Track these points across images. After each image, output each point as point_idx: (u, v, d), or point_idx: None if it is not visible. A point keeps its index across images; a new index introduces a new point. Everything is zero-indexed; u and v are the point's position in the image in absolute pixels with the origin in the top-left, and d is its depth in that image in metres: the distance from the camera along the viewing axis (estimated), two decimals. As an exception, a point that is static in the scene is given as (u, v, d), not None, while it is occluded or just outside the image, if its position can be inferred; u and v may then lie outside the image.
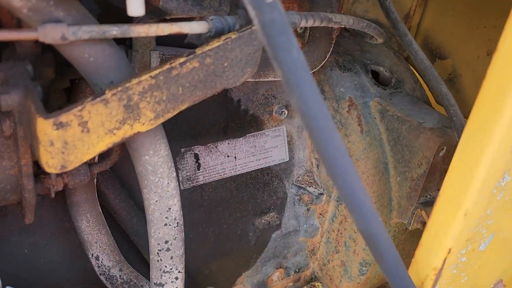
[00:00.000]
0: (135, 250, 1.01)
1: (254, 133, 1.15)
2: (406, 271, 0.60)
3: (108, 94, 0.52)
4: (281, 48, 0.42)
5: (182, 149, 1.05)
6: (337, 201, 1.22)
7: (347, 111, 1.15)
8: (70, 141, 0.52)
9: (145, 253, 0.99)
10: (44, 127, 0.50)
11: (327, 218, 1.27)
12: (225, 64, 0.59)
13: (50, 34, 0.50)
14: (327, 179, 1.23)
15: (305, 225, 1.28)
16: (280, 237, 1.25)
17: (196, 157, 1.08)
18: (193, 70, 0.57)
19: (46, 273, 0.89)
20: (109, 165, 0.75)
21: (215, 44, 0.57)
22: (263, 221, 1.21)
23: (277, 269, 1.30)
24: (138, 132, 0.57)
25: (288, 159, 1.22)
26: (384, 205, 1.17)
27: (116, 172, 0.96)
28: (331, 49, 1.00)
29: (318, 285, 1.32)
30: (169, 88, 0.56)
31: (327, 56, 1.01)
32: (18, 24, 0.61)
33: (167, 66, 0.55)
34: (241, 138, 1.13)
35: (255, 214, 1.20)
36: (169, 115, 0.59)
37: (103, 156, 0.77)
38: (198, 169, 1.08)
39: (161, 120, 0.59)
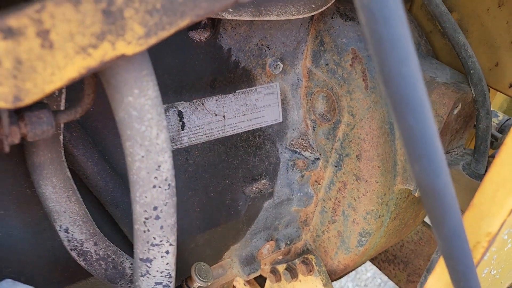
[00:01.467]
0: (111, 222, 0.85)
1: (245, 89, 1.00)
2: (467, 239, 0.46)
3: (81, -10, 0.35)
4: None
5: (164, 105, 0.89)
6: (336, 167, 1.09)
7: (350, 65, 1.00)
8: (25, 59, 0.35)
9: (123, 225, 0.83)
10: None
11: (323, 186, 1.13)
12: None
13: None
14: (324, 143, 1.09)
15: (298, 194, 1.15)
16: (272, 207, 1.11)
17: (180, 115, 0.92)
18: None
19: (5, 250, 0.72)
20: (79, 114, 0.58)
21: None
22: (254, 189, 1.07)
23: (267, 241, 1.16)
24: (123, 55, 0.41)
25: (281, 120, 1.08)
26: (388, 170, 1.04)
27: (86, 128, 0.79)
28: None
29: (312, 258, 1.18)
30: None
31: (330, 1, 0.86)
32: None
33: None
34: (230, 95, 0.98)
35: (245, 181, 1.06)
36: (163, 34, 0.42)
37: (72, 101, 0.60)
38: (182, 129, 0.93)
39: (153, 40, 0.42)
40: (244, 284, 1.52)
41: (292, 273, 1.23)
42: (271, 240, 1.16)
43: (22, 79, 0.36)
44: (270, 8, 0.78)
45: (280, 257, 1.27)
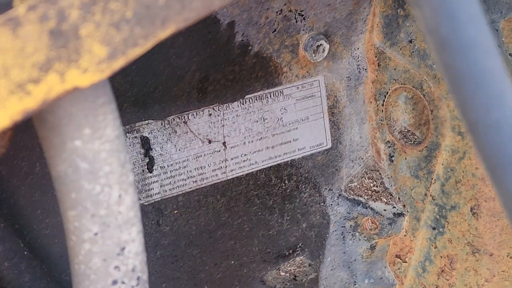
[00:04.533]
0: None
1: (261, 92, 1.17)
2: None
3: (20, 9, 0.52)
4: None
5: (127, 125, 1.07)
6: (434, 229, 1.25)
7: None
8: None
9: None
10: None
11: (411, 265, 1.30)
12: None
13: None
14: (410, 184, 1.26)
15: (366, 280, 1.32)
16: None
17: (145, 144, 1.12)
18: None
19: None
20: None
21: None
22: (282, 274, 1.26)
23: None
24: (75, 88, 0.57)
25: (330, 146, 1.26)
26: None
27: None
28: None
29: None
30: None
31: None
32: None
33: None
34: (235, 104, 1.17)
35: (266, 260, 1.26)
36: (135, 52, 0.59)
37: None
38: (150, 170, 1.11)
39: (120, 62, 0.59)
40: None
41: None
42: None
43: None
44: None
45: None
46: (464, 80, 0.48)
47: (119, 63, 0.59)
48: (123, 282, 0.73)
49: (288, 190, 1.24)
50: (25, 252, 0.99)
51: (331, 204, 1.27)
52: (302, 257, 1.25)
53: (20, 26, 0.53)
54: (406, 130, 1.25)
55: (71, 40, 0.55)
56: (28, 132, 0.67)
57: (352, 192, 1.28)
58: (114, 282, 0.73)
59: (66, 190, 0.69)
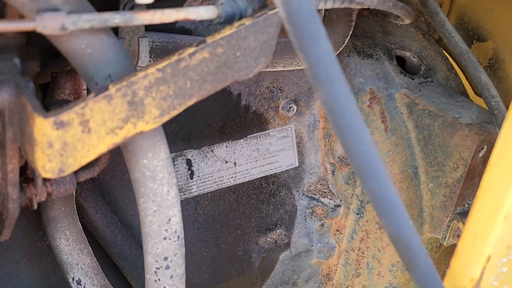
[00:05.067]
0: (118, 275, 1.10)
1: (256, 133, 1.26)
2: (441, 281, 0.70)
3: (112, 90, 0.61)
4: (309, 38, 0.51)
5: (172, 154, 1.15)
6: (357, 214, 1.33)
7: (368, 106, 1.25)
8: (70, 142, 0.61)
9: (131, 278, 1.08)
10: (43, 127, 0.59)
11: (345, 235, 1.37)
12: (238, 54, 0.69)
13: (49, 25, 0.58)
14: (344, 188, 1.33)
15: (318, 244, 1.39)
16: (289, 259, 1.37)
17: (189, 163, 1.18)
18: (203, 61, 0.66)
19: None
20: (97, 172, 0.84)
21: (227, 31, 0.66)
22: (268, 239, 1.33)
23: (284, 294, 1.40)
24: (141, 131, 0.66)
25: (297, 165, 1.33)
26: (414, 217, 1.27)
27: (96, 182, 1.05)
28: (350, 32, 1.10)
29: (336, 318, 1.41)
30: (176, 82, 0.65)
31: (346, 41, 1.11)
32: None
33: (175, 58, 0.64)
34: (241, 140, 1.25)
35: (259, 231, 1.32)
36: (174, 112, 0.68)
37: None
38: (191, 178, 1.19)
39: (166, 118, 0.68)
40: None
41: (315, 334, 1.46)
42: (288, 296, 1.40)
43: (66, 156, 0.62)
44: (276, 60, 1.04)
45: (301, 316, 1.50)
46: (337, 123, 0.56)
47: (165, 118, 0.68)
48: (169, 239, 0.81)
49: (272, 191, 1.31)
50: (118, 223, 1.08)
51: (298, 199, 1.34)
52: (280, 229, 1.32)
53: (112, 99, 0.62)
54: (342, 156, 1.32)
55: (139, 106, 0.64)
56: (119, 154, 0.76)
57: (310, 192, 1.35)
58: (164, 238, 0.80)
59: (138, 187, 0.78)
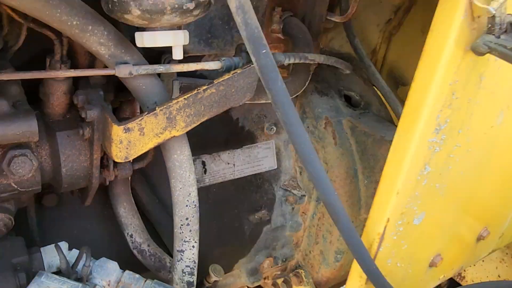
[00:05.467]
0: (155, 234, 1.26)
1: (249, 145, 1.42)
2: (357, 232, 0.87)
3: (158, 110, 0.79)
4: (271, 81, 0.69)
5: (193, 157, 1.31)
6: (316, 201, 1.48)
7: (324, 128, 1.42)
8: (132, 140, 0.79)
9: (163, 236, 1.24)
10: (117, 131, 0.77)
11: (308, 216, 1.53)
12: (233, 90, 0.87)
13: (122, 71, 0.77)
14: (308, 184, 1.50)
15: (290, 222, 1.54)
16: (270, 231, 1.51)
17: (203, 163, 1.34)
18: (211, 94, 0.84)
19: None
20: (145, 163, 1.02)
21: (226, 76, 0.85)
22: (256, 217, 1.47)
23: (267, 257, 1.55)
24: (174, 136, 0.84)
25: (276, 167, 1.48)
26: (354, 203, 1.43)
27: (143, 173, 1.22)
28: (309, 78, 1.27)
29: (302, 272, 1.57)
30: (195, 106, 0.84)
31: (306, 84, 1.28)
32: (90, 63, 0.88)
33: (195, 92, 0.82)
34: (238, 149, 1.40)
35: (249, 211, 1.46)
36: (194, 125, 0.86)
37: (140, 156, 1.03)
38: (205, 173, 1.34)
39: (189, 128, 0.86)
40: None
41: (288, 285, 1.61)
42: (270, 257, 1.56)
43: (129, 149, 0.80)
44: (260, 96, 1.21)
45: (279, 273, 1.65)
46: (288, 130, 0.74)
47: (188, 128, 0.85)
48: (189, 206, 0.97)
49: (259, 184, 1.44)
50: (156, 200, 1.22)
51: (276, 191, 1.48)
52: (264, 211, 1.45)
53: (157, 116, 0.79)
54: None
55: (173, 120, 0.82)
56: (157, 157, 0.91)
57: (285, 186, 1.47)
58: (186, 206, 0.96)
59: (171, 173, 0.94)
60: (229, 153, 1.38)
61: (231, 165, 1.39)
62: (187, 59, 0.94)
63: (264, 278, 1.64)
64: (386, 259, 1.00)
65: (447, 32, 0.72)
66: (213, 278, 1.24)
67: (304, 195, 1.51)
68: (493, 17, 0.69)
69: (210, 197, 1.37)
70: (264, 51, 0.69)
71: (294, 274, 1.59)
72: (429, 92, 0.79)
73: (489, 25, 0.71)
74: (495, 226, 1.27)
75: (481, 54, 0.75)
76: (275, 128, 1.44)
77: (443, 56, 0.74)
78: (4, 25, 0.79)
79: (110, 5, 0.71)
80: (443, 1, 0.72)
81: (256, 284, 1.55)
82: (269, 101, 1.27)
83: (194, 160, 1.29)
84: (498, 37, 0.71)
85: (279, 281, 1.63)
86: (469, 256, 1.29)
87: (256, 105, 1.37)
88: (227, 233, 1.43)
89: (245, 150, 1.41)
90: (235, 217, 1.44)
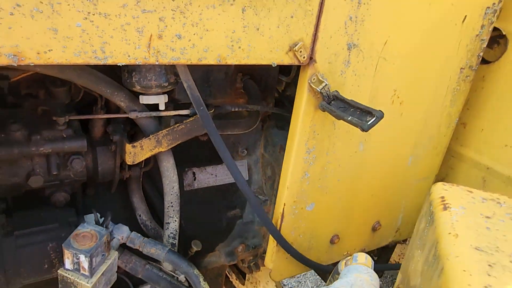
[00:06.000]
0: (155, 215, 1.92)
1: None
2: (263, 209, 1.52)
3: (151, 136, 1.47)
4: (205, 122, 1.37)
5: (186, 168, 1.98)
6: (275, 204, 2.12)
7: (279, 152, 2.07)
8: (136, 152, 1.47)
9: (160, 217, 1.90)
10: (128, 147, 1.45)
11: (270, 214, 2.16)
12: (195, 126, 1.54)
13: (133, 115, 1.46)
14: (270, 191, 2.14)
15: (257, 218, 2.17)
16: (242, 224, 2.10)
17: (194, 173, 1.99)
18: (182, 128, 1.52)
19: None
20: (149, 167, 1.70)
21: (191, 119, 1.52)
22: (231, 213, 2.05)
23: (240, 244, 2.19)
24: (161, 151, 1.52)
25: (247, 179, 2.14)
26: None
27: (149, 175, 1.90)
28: (259, 118, 1.93)
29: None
30: (173, 134, 1.51)
31: (257, 122, 1.93)
32: (116, 109, 1.57)
33: (172, 126, 1.50)
34: (219, 165, 2.05)
35: (227, 209, 2.04)
36: (173, 145, 1.53)
37: (146, 164, 1.72)
38: (194, 180, 2.01)
39: (170, 147, 1.53)
40: (234, 275, 2.54)
41: (257, 266, 2.24)
42: (243, 244, 2.19)
43: (135, 157, 1.48)
44: (226, 130, 1.88)
45: (251, 258, 2.28)
46: (218, 149, 1.41)
47: (170, 147, 1.53)
48: (173, 195, 1.64)
49: (235, 190, 1.98)
50: (156, 192, 1.89)
51: None
52: (238, 209, 2.02)
53: (150, 139, 1.48)
54: (269, 176, 2.12)
55: (160, 142, 1.50)
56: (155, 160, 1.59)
57: (254, 193, 2.14)
58: (171, 194, 1.64)
59: (163, 173, 1.62)
60: (212, 167, 2.01)
61: (214, 175, 2.04)
62: (180, 104, 1.61)
63: (241, 261, 2.28)
64: (289, 231, 1.62)
65: (302, 99, 1.37)
66: (194, 249, 1.89)
67: (267, 199, 2.14)
68: (321, 93, 1.34)
69: (198, 197, 1.95)
70: (202, 107, 1.36)
71: (260, 257, 2.22)
72: (296, 129, 1.44)
73: (323, 96, 1.36)
74: (387, 222, 1.88)
75: (324, 111, 1.40)
76: (246, 151, 2.09)
77: (301, 111, 1.39)
78: (72, 89, 1.50)
79: (126, 83, 1.40)
80: (300, 84, 1.37)
81: (232, 263, 2.19)
82: (238, 132, 1.96)
83: (186, 171, 1.97)
84: (329, 103, 1.36)
85: (251, 264, 2.26)
86: (369, 241, 1.88)
87: (231, 135, 2.04)
88: (209, 224, 1.97)
89: (224, 166, 2.06)
90: (215, 213, 1.99)
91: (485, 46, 1.74)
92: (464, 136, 2.07)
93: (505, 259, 1.09)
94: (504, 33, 1.87)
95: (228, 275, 2.70)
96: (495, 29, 1.86)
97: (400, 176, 1.81)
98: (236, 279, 2.63)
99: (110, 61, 0.97)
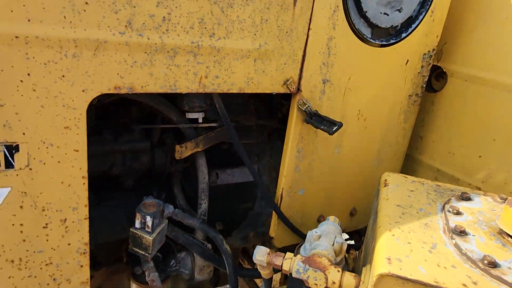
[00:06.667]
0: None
1: (242, 166, 2.80)
2: (269, 194, 2.25)
3: (192, 141, 2.22)
4: (231, 132, 2.12)
5: (211, 170, 2.72)
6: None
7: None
8: (183, 150, 2.22)
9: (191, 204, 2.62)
10: (177, 147, 2.21)
11: (275, 207, 2.88)
12: (220, 134, 2.29)
13: (182, 126, 2.21)
14: (275, 190, 2.87)
15: (265, 211, 2.89)
16: (253, 215, 2.64)
17: (217, 174, 2.72)
18: (213, 135, 2.27)
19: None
20: (188, 164, 2.44)
21: (217, 130, 2.28)
22: (245, 206, 2.55)
23: (252, 231, 2.90)
24: (198, 151, 2.26)
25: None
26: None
27: (187, 171, 2.63)
28: (265, 132, 2.67)
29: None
30: (206, 139, 2.26)
31: (264, 134, 2.67)
32: (172, 122, 2.33)
33: (206, 134, 2.25)
34: (236, 168, 2.76)
35: (241, 202, 2.54)
36: (206, 147, 2.28)
37: (186, 161, 2.47)
38: (217, 179, 2.73)
39: (204, 148, 2.27)
40: (246, 261, 3.25)
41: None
42: (254, 231, 2.90)
43: (181, 154, 2.24)
44: (241, 138, 2.62)
45: (260, 243, 2.98)
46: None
47: (204, 148, 2.28)
48: (204, 183, 2.39)
49: (248, 187, 2.82)
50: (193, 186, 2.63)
51: (257, 192, 2.86)
52: (249, 203, 2.82)
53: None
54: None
55: (198, 144, 2.26)
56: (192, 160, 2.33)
57: None
58: (203, 183, 2.39)
59: (198, 168, 2.36)
60: (231, 169, 2.66)
61: (232, 175, 2.63)
62: (210, 120, 2.35)
63: (252, 247, 2.99)
64: (286, 209, 2.34)
65: (293, 115, 2.12)
66: (217, 228, 2.62)
67: (273, 195, 2.87)
68: (305, 111, 2.09)
69: (219, 192, 2.45)
70: (227, 120, 2.11)
71: (269, 242, 2.93)
72: (290, 136, 2.18)
73: (307, 114, 2.10)
74: (361, 208, 2.59)
75: (308, 124, 2.14)
76: (256, 158, 2.84)
77: (292, 123, 2.13)
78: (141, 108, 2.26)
79: (179, 104, 2.16)
80: (292, 106, 2.12)
81: (245, 245, 2.89)
82: (249, 141, 2.69)
83: (211, 171, 2.73)
84: (311, 118, 2.10)
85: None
86: (348, 224, 2.58)
87: (246, 146, 2.78)
88: (227, 214, 2.49)
89: (240, 168, 2.72)
90: (231, 205, 2.50)
91: (426, 80, 2.49)
92: (421, 146, 2.80)
93: (413, 211, 1.81)
94: (445, 70, 2.63)
95: (241, 262, 3.42)
96: (439, 67, 2.62)
97: (369, 174, 2.53)
98: (248, 264, 3.35)
99: (178, 91, 1.73)
